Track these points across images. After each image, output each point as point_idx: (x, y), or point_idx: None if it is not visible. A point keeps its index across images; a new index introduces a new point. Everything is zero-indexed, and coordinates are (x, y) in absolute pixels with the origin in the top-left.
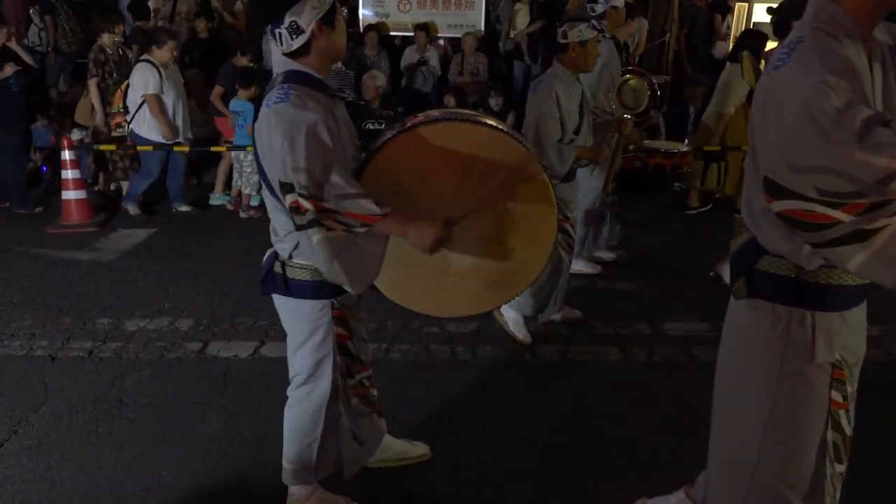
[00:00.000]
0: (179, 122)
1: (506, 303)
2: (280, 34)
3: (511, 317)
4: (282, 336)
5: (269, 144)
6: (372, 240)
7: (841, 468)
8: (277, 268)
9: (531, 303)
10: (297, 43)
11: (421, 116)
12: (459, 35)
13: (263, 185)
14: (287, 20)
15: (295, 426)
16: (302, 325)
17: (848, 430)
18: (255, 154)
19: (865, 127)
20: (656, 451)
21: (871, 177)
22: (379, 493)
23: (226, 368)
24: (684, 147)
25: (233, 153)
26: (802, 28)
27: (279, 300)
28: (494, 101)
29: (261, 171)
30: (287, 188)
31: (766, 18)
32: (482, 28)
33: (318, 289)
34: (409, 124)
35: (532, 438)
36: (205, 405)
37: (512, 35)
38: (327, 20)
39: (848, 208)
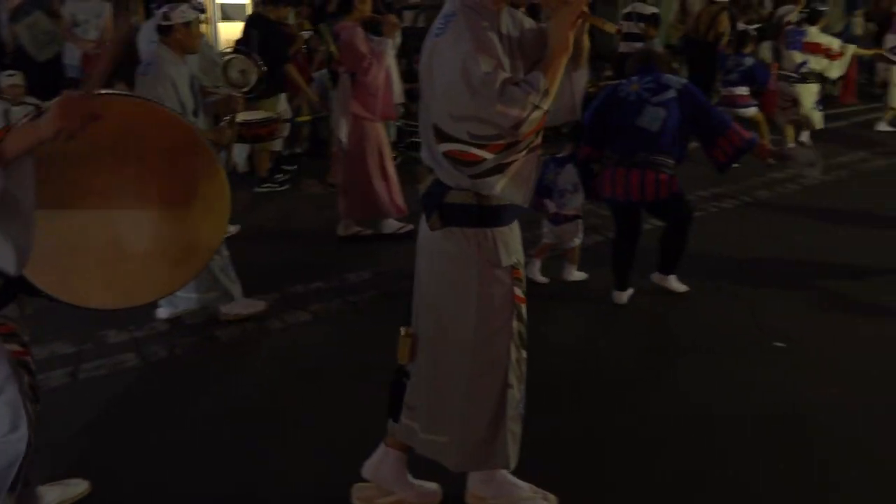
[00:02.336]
0: None
1: (193, 277)
2: None
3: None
4: None
5: None
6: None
7: (523, 354)
8: None
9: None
10: None
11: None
12: None
13: None
14: None
15: None
16: None
17: (525, 322)
18: None
19: (503, 87)
20: (238, 438)
21: (507, 123)
22: None
23: None
24: (276, 115)
25: None
26: (454, 4)
27: None
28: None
29: None
30: None
31: None
32: None
33: None
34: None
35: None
36: None
37: None
38: None
39: (490, 148)
